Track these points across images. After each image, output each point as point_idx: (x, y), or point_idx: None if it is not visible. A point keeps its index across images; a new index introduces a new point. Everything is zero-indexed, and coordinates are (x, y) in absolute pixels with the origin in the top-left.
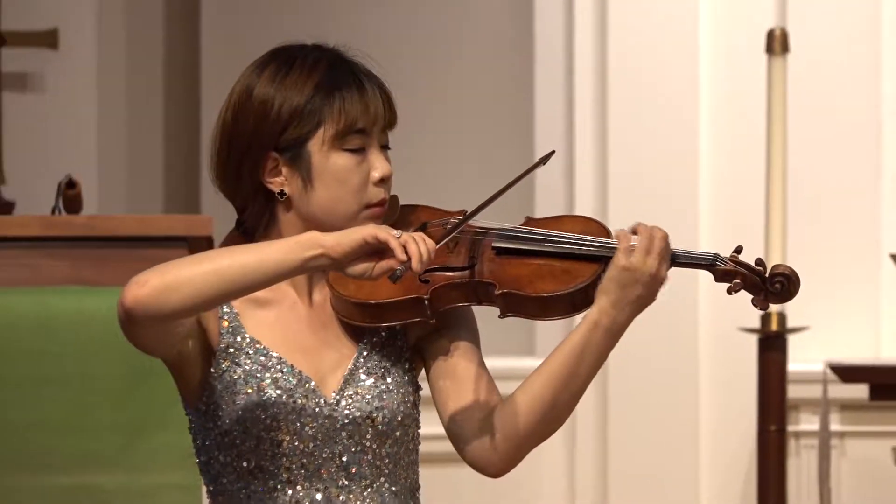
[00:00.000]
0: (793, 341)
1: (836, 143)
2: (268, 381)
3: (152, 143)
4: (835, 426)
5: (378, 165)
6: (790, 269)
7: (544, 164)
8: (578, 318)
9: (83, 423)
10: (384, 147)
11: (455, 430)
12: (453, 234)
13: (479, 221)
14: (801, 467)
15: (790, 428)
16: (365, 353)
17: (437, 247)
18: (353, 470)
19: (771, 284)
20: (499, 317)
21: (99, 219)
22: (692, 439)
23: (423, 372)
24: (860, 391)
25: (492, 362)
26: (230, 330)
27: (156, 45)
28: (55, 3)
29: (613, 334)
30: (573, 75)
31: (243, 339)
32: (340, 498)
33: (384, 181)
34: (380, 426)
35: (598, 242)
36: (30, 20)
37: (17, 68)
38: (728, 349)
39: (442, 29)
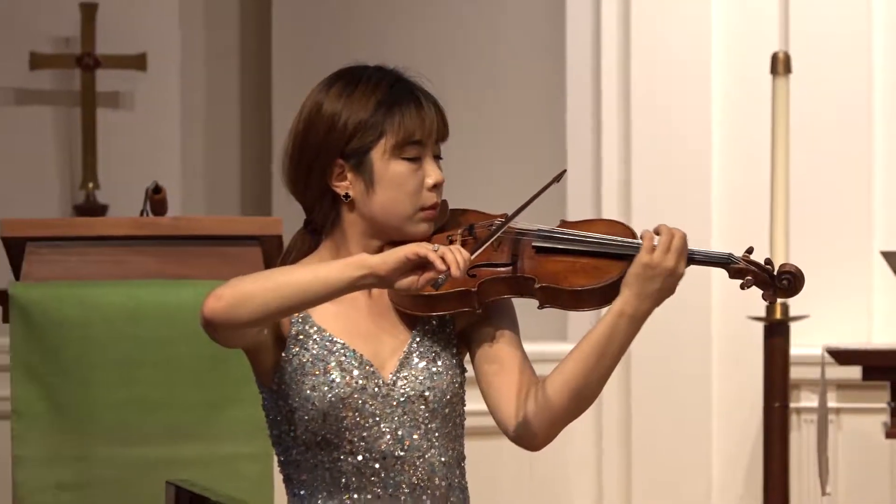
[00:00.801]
0: (795, 328)
1: (832, 153)
2: (333, 364)
3: (229, 153)
4: (832, 403)
5: (432, 173)
6: (796, 267)
7: (558, 182)
8: (605, 308)
9: (169, 400)
10: (437, 157)
11: (498, 408)
12: (497, 235)
13: (519, 223)
14: (801, 439)
15: (792, 405)
16: (418, 339)
17: (484, 248)
18: (407, 442)
19: (779, 281)
20: (538, 308)
21: (182, 220)
22: (706, 414)
23: (467, 356)
24: (854, 372)
25: (529, 346)
26: (300, 319)
27: (232, 67)
28: (144, 30)
29: (636, 322)
30: (600, 97)
31: (311, 326)
32: (396, 466)
33: (437, 187)
34: (431, 404)
35: (625, 242)
36: (122, 45)
37: (110, 88)
38: (737, 335)
39: (478, 46)
